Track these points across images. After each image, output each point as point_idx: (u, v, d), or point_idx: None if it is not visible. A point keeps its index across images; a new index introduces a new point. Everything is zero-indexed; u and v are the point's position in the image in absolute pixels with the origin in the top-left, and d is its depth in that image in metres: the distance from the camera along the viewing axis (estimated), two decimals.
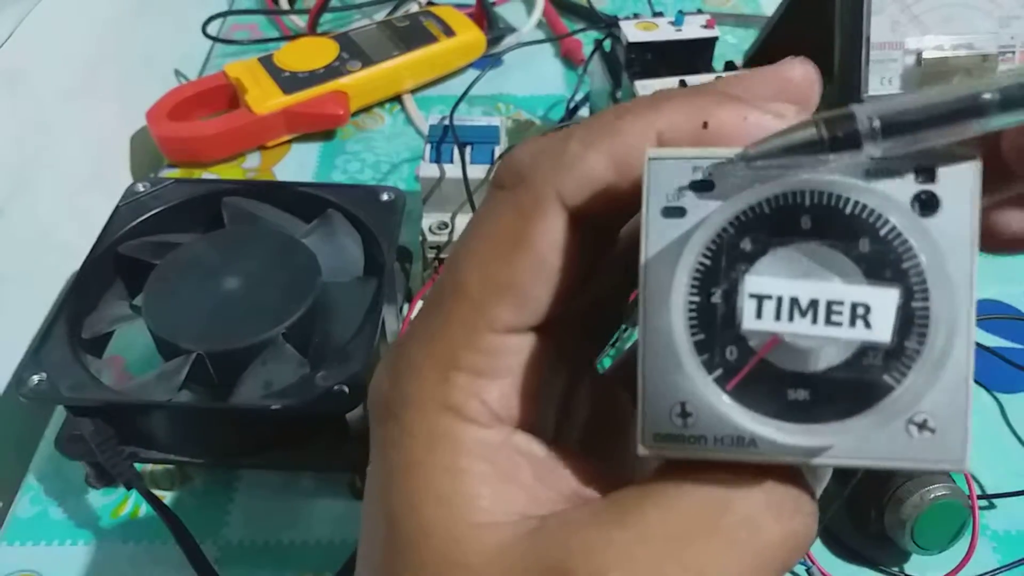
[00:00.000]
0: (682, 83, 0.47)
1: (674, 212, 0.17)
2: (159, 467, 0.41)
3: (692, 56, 0.50)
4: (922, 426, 0.16)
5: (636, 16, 0.52)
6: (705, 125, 0.17)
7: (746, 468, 0.17)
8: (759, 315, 0.16)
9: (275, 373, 0.38)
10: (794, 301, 0.16)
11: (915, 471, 0.35)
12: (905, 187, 0.16)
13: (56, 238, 0.51)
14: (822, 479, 0.19)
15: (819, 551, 0.38)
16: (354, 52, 0.64)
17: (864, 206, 0.16)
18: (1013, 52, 0.50)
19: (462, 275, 0.18)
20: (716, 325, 0.16)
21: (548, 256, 0.17)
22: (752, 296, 0.16)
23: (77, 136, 0.55)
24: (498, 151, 0.46)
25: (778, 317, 0.16)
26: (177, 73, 0.69)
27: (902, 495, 0.36)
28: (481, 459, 0.18)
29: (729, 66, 0.51)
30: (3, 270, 0.47)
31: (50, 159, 0.52)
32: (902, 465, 0.16)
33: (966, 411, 0.16)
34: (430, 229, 0.46)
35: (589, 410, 0.22)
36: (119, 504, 0.41)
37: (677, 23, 0.51)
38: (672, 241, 0.17)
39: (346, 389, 0.36)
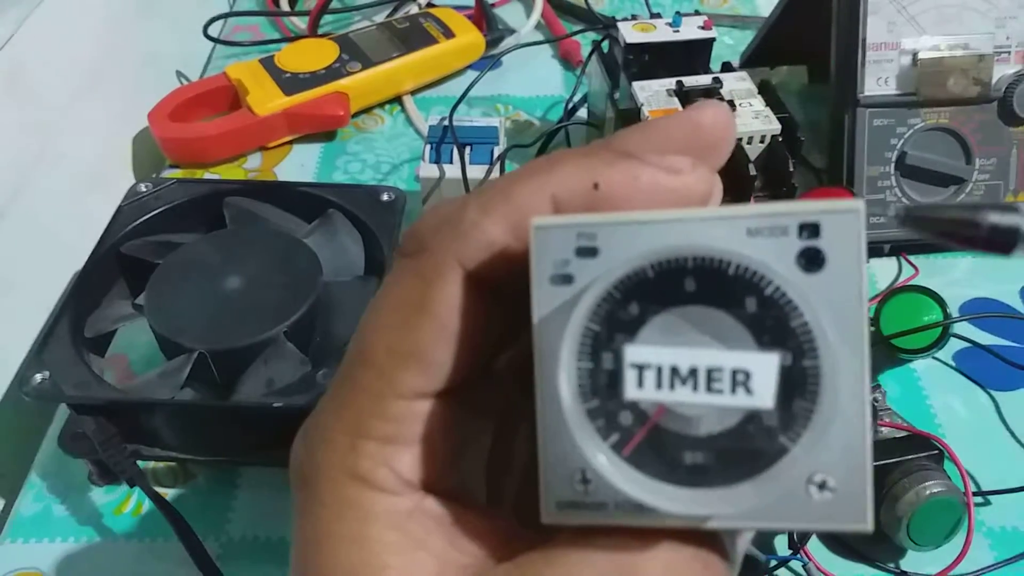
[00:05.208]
0: (679, 83, 0.48)
1: (561, 280, 0.16)
2: (162, 465, 0.41)
3: (689, 57, 0.51)
4: (822, 486, 0.15)
5: (634, 17, 0.53)
6: (596, 186, 0.17)
7: (651, 531, 0.16)
8: (640, 384, 0.16)
9: (277, 371, 0.38)
10: (674, 370, 0.16)
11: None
12: (789, 245, 0.16)
13: (59, 238, 0.52)
14: (740, 539, 0.19)
15: (815, 547, 0.39)
16: (354, 53, 0.64)
17: (747, 268, 0.15)
18: (1009, 52, 0.50)
19: (367, 343, 0.18)
20: (607, 391, 0.16)
21: (449, 321, 0.17)
22: (633, 365, 0.16)
23: (79, 137, 0.56)
24: (497, 151, 0.47)
25: (659, 386, 0.16)
26: (179, 74, 0.70)
27: (898, 492, 0.37)
28: (390, 528, 0.17)
29: (726, 67, 0.52)
30: (6, 270, 0.47)
31: (53, 160, 0.52)
32: (805, 526, 0.16)
33: (866, 469, 0.15)
34: None
35: (527, 460, 0.22)
36: (122, 501, 0.41)
37: (674, 24, 0.51)
38: (558, 308, 0.16)
39: None
